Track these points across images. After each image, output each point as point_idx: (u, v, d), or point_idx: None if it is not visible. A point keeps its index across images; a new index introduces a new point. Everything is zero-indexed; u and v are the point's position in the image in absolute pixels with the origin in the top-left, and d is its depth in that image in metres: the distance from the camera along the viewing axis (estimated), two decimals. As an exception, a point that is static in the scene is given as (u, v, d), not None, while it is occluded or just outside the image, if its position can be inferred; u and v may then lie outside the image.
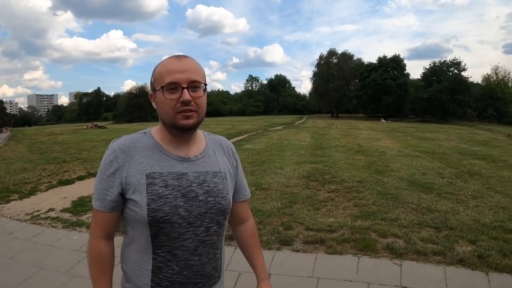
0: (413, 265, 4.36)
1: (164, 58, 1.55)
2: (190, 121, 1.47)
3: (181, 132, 1.52)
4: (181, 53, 1.53)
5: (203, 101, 1.52)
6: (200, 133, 1.68)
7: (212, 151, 1.67)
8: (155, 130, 1.63)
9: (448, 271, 4.20)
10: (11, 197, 8.76)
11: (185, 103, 1.44)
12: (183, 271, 1.53)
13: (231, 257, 4.72)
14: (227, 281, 4.13)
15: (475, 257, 4.46)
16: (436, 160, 12.59)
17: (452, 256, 4.50)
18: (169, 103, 1.45)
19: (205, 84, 1.53)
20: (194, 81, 1.47)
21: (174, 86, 1.44)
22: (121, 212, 1.57)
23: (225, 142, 1.77)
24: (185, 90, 1.44)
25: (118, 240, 1.70)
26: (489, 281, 3.99)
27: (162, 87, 1.45)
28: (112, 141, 1.59)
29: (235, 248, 4.81)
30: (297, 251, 4.96)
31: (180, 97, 1.44)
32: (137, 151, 1.53)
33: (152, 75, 1.54)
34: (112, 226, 1.59)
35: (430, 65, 74.88)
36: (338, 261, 4.61)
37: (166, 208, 1.46)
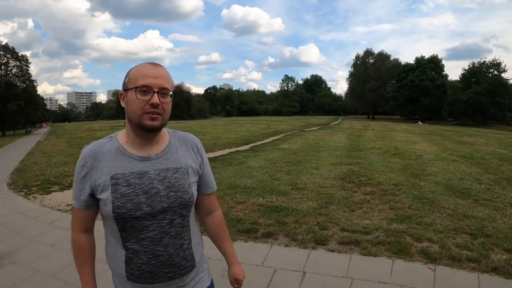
0: (447, 271, 4.38)
1: (140, 63, 1.71)
2: (155, 123, 1.63)
3: (145, 132, 1.68)
4: (156, 62, 1.70)
5: (169, 107, 1.69)
6: (164, 131, 1.83)
7: (175, 148, 1.81)
8: (121, 133, 1.79)
9: (482, 278, 4.20)
10: (52, 189, 9.15)
11: (154, 105, 1.60)
12: (150, 261, 1.67)
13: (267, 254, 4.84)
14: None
15: (510, 266, 4.43)
16: (474, 165, 12.38)
17: (486, 264, 4.48)
18: (139, 103, 1.60)
19: (173, 93, 1.71)
20: (164, 88, 1.63)
21: (146, 89, 1.60)
22: (97, 208, 1.76)
23: (189, 139, 1.90)
24: (156, 94, 1.60)
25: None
26: (523, 290, 3.99)
27: (135, 88, 1.60)
28: (83, 147, 1.77)
29: (271, 246, 4.95)
30: (332, 251, 5.04)
31: (150, 99, 1.59)
32: (103, 155, 1.69)
33: (126, 76, 1.69)
34: (89, 221, 1.80)
35: (469, 66, 73.83)
36: (373, 262, 4.66)
37: (128, 205, 1.61)
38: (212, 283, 2.00)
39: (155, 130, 1.68)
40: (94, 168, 1.67)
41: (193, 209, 1.86)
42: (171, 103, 1.71)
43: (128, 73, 1.69)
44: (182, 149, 1.83)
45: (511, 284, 4.08)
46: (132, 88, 1.62)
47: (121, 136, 1.77)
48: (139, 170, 1.68)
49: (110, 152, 1.70)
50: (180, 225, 1.74)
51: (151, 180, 1.67)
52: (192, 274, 1.84)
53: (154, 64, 1.67)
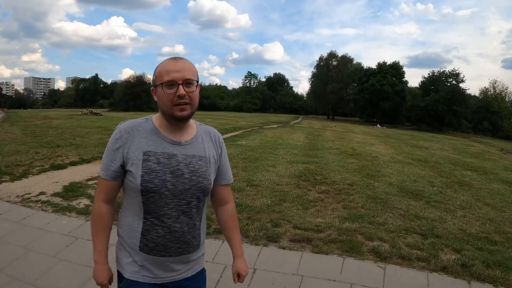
0: (397, 270, 4.40)
1: (164, 60, 1.91)
2: (185, 113, 1.82)
3: (177, 121, 1.86)
4: (178, 55, 1.88)
5: (196, 95, 1.85)
6: (193, 122, 2.00)
7: (201, 138, 1.98)
8: (155, 117, 1.95)
9: (431, 277, 4.24)
10: (3, 179, 8.73)
11: (181, 96, 1.77)
12: (166, 235, 1.85)
13: (218, 250, 4.76)
14: (213, 273, 4.17)
15: (459, 265, 4.50)
16: (428, 169, 12.66)
17: (436, 263, 4.54)
18: (167, 97, 1.78)
19: (197, 81, 1.87)
20: (188, 79, 1.80)
21: (171, 83, 1.77)
22: (121, 182, 1.91)
23: (213, 132, 2.10)
24: (180, 86, 1.77)
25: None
26: (470, 290, 4.03)
27: (161, 84, 1.78)
28: (119, 123, 1.92)
29: (223, 242, 4.86)
30: (284, 248, 4.99)
31: (177, 92, 1.77)
32: (138, 132, 1.86)
33: (154, 74, 1.87)
34: (113, 193, 1.93)
35: (429, 74, 75.41)
36: (323, 260, 4.64)
37: (156, 180, 1.78)
38: (204, 268, 2.16)
39: (186, 119, 1.87)
40: (128, 142, 1.84)
41: (208, 197, 2.05)
42: (197, 90, 1.87)
43: (155, 70, 1.88)
44: (207, 140, 2.01)
45: (460, 283, 4.16)
46: (159, 85, 1.80)
47: (156, 119, 1.94)
48: (169, 151, 1.86)
49: (146, 131, 1.88)
50: (196, 207, 1.92)
51: (178, 162, 1.85)
52: (195, 255, 2.02)
53: (176, 59, 1.85)
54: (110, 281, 1.99)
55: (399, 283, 4.10)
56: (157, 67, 1.87)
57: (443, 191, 8.88)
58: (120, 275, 1.97)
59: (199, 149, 1.94)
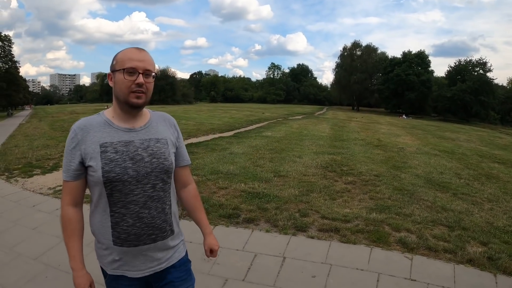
0: (424, 260, 4.46)
1: (126, 48, 1.94)
2: (140, 101, 1.87)
3: (131, 108, 1.90)
4: (140, 47, 1.91)
5: (152, 86, 1.91)
6: (145, 110, 2.04)
7: (155, 123, 2.03)
8: (107, 111, 2.00)
9: (457, 269, 4.28)
10: (34, 172, 9.04)
11: (139, 85, 1.83)
12: (136, 223, 1.87)
13: (248, 239, 4.87)
14: (243, 261, 4.30)
15: (485, 258, 4.52)
16: (455, 160, 12.56)
17: (462, 255, 4.57)
18: (126, 83, 1.82)
19: (155, 74, 1.95)
20: (149, 70, 1.86)
21: (132, 71, 1.82)
22: (85, 181, 1.93)
23: (167, 117, 2.15)
24: (141, 75, 1.83)
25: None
26: (496, 283, 4.06)
27: (123, 69, 1.82)
28: (74, 123, 1.94)
29: (252, 231, 4.98)
30: (312, 237, 5.10)
31: (136, 79, 1.82)
32: (92, 127, 1.88)
33: (114, 59, 1.90)
34: (78, 194, 1.95)
35: (455, 63, 74.08)
36: (351, 250, 4.73)
37: (117, 169, 1.81)
38: (187, 254, 2.18)
39: (140, 107, 1.91)
40: (84, 139, 1.85)
41: (172, 181, 2.07)
42: (153, 83, 1.92)
43: (115, 56, 1.91)
44: (161, 124, 2.06)
45: (486, 276, 4.17)
46: (120, 70, 1.83)
47: (108, 112, 1.98)
48: (125, 139, 1.88)
49: (99, 124, 1.90)
50: (162, 189, 1.95)
51: (136, 148, 1.88)
52: (171, 241, 2.03)
53: (139, 49, 1.90)
54: (91, 285, 1.97)
55: (425, 274, 4.15)
56: (118, 53, 1.91)
57: (470, 183, 8.83)
58: (103, 271, 2.03)
59: (155, 132, 1.98)
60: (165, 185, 1.97)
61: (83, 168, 1.88)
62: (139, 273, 1.95)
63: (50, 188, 7.57)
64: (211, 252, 2.24)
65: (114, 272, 1.96)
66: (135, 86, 1.82)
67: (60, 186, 7.51)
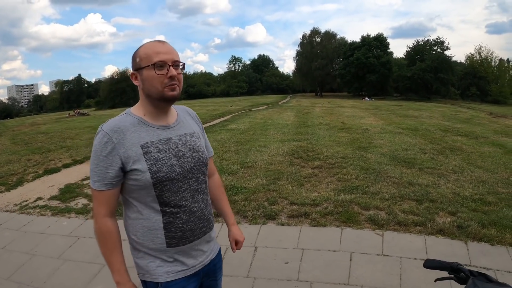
0: (394, 235, 4.49)
1: (145, 42, 1.85)
2: (175, 92, 1.79)
3: (166, 103, 1.83)
4: (160, 39, 1.82)
5: (182, 77, 1.84)
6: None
7: (183, 117, 2.00)
8: (134, 109, 1.89)
9: (428, 240, 4.33)
10: (-2, 190, 8.74)
11: (172, 78, 1.75)
12: (190, 218, 1.84)
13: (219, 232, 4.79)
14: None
15: (455, 227, 4.59)
16: (419, 137, 12.74)
17: (432, 227, 4.64)
18: (158, 78, 1.73)
19: (184, 64, 1.85)
20: (176, 61, 1.78)
21: (162, 64, 1.73)
22: (120, 188, 1.81)
23: (189, 110, 2.12)
24: (171, 68, 1.74)
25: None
26: (468, 250, 4.13)
27: (153, 65, 1.72)
28: (100, 126, 1.80)
29: (222, 224, 4.91)
30: (282, 224, 5.08)
31: (168, 73, 1.73)
32: (126, 128, 1.77)
33: (137, 56, 1.80)
34: (114, 203, 1.81)
35: (413, 44, 75.31)
36: (322, 232, 4.73)
37: (164, 168, 1.75)
38: (220, 246, 2.17)
39: (176, 99, 1.83)
40: (121, 141, 1.74)
41: None
42: (182, 73, 1.84)
43: (137, 53, 1.81)
44: (188, 118, 2.04)
45: (457, 244, 4.24)
46: (148, 66, 1.74)
47: (136, 110, 1.87)
48: (164, 137, 1.83)
49: (133, 124, 1.80)
50: (203, 181, 1.95)
51: (176, 144, 1.84)
52: (213, 231, 2.04)
53: (161, 41, 1.82)
54: None
55: (397, 248, 4.18)
56: (140, 48, 1.82)
57: (435, 157, 8.97)
58: (150, 284, 1.87)
59: (186, 126, 1.96)
60: (205, 176, 1.97)
61: (123, 173, 1.76)
62: (192, 270, 1.89)
63: (15, 205, 7.31)
64: (236, 244, 2.23)
65: (167, 277, 1.83)
66: (168, 79, 1.75)
67: (26, 201, 7.32)
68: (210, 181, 2.18)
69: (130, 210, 1.85)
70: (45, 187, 8.42)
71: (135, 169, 1.72)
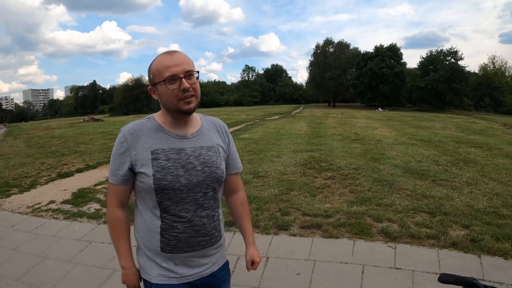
0: (407, 248, 4.46)
1: (157, 55, 1.85)
2: (192, 105, 1.79)
3: (183, 115, 1.84)
4: (171, 49, 1.84)
5: (198, 85, 1.83)
6: (196, 115, 1.99)
7: (207, 130, 1.97)
8: (157, 115, 1.93)
9: (441, 253, 4.29)
10: (12, 191, 8.84)
11: (186, 90, 1.74)
12: (187, 230, 1.82)
13: (230, 242, 4.81)
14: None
15: (468, 241, 4.54)
16: (432, 148, 12.67)
17: (445, 240, 4.59)
18: (171, 93, 1.74)
19: (197, 72, 1.84)
20: (189, 71, 1.76)
21: (173, 78, 1.73)
22: (132, 185, 1.90)
23: (218, 122, 2.07)
24: (183, 80, 1.73)
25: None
26: (481, 264, 4.08)
27: (164, 81, 1.73)
28: (122, 127, 1.90)
29: (234, 234, 4.92)
30: (294, 235, 5.06)
31: (180, 86, 1.73)
32: (142, 133, 1.83)
33: (150, 72, 1.83)
34: (125, 197, 1.92)
35: (427, 54, 74.99)
36: (334, 244, 4.71)
37: (168, 177, 1.76)
38: (227, 260, 2.14)
39: (192, 112, 1.84)
40: (134, 144, 1.82)
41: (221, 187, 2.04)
42: (198, 82, 1.83)
43: (150, 69, 1.83)
44: (213, 131, 2.00)
45: (470, 258, 4.19)
46: (160, 82, 1.76)
47: (159, 117, 1.91)
48: (177, 147, 1.83)
49: (150, 130, 1.85)
50: (212, 197, 1.91)
51: (188, 156, 1.83)
52: (218, 245, 1.99)
53: (171, 53, 1.81)
54: (140, 280, 1.98)
55: (410, 261, 4.14)
56: (152, 64, 1.84)
57: (449, 169, 8.91)
58: (145, 282, 1.95)
59: (206, 140, 1.93)
60: (216, 193, 1.93)
61: (132, 174, 1.84)
62: (185, 279, 1.90)
63: (28, 207, 7.40)
64: (252, 264, 2.15)
65: (160, 280, 1.88)
66: (182, 92, 1.74)
67: (38, 204, 7.44)
68: (233, 197, 2.19)
69: (137, 209, 1.93)
70: (58, 190, 8.51)
71: (142, 173, 1.79)
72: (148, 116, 1.94)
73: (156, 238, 1.84)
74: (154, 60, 1.83)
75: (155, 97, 1.87)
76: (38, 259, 4.85)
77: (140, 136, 1.82)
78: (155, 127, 1.86)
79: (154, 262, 1.88)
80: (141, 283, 1.99)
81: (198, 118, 1.99)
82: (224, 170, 1.97)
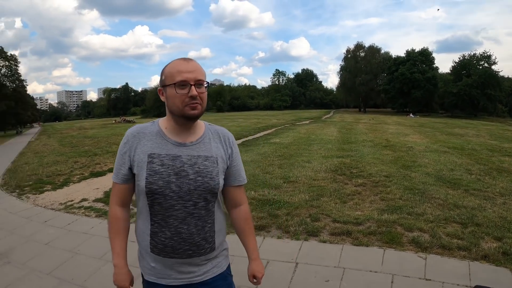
0: (438, 259, 4.43)
1: (172, 60, 1.91)
2: (196, 111, 1.83)
3: (187, 121, 1.88)
4: (187, 57, 1.89)
5: (205, 96, 1.88)
6: (201, 123, 2.02)
7: (208, 139, 1.98)
8: (162, 120, 2.00)
9: (473, 266, 4.25)
10: (45, 188, 9.15)
11: (193, 97, 1.79)
12: (173, 237, 1.86)
13: (260, 245, 4.85)
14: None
15: (500, 253, 4.48)
16: (465, 156, 12.46)
17: (477, 252, 4.53)
18: (179, 97, 1.80)
19: (208, 83, 1.89)
20: (200, 80, 1.82)
21: (184, 83, 1.79)
22: (133, 185, 1.95)
23: (222, 132, 2.08)
24: (193, 87, 1.79)
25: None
26: (513, 277, 4.03)
27: (174, 84, 1.80)
28: (129, 128, 1.99)
29: (263, 238, 4.98)
30: (324, 242, 5.09)
31: (189, 92, 1.79)
32: (144, 136, 1.91)
33: (162, 74, 1.89)
34: (126, 195, 1.99)
35: (459, 58, 73.63)
36: (364, 252, 4.72)
37: (160, 182, 1.81)
38: (228, 269, 2.14)
39: (197, 118, 1.89)
40: (135, 146, 1.89)
41: (221, 199, 2.08)
42: (206, 92, 1.88)
43: (163, 71, 1.90)
44: (214, 141, 2.00)
45: (501, 271, 4.13)
46: (170, 85, 1.81)
47: (162, 122, 1.98)
48: (173, 153, 1.87)
49: (151, 134, 1.92)
50: (204, 208, 1.90)
51: (183, 163, 1.86)
52: (211, 256, 1.99)
53: (186, 60, 1.86)
54: (131, 283, 2.02)
55: (440, 273, 4.11)
56: (166, 67, 1.89)
57: (482, 178, 8.76)
58: (142, 275, 2.03)
59: (205, 149, 1.94)
60: (208, 204, 1.92)
61: (132, 174, 1.91)
62: (174, 282, 1.94)
63: (61, 204, 7.64)
64: (255, 278, 2.13)
65: (150, 278, 1.97)
66: (189, 99, 1.79)
67: (71, 201, 7.70)
68: (235, 211, 2.15)
69: (137, 208, 1.99)
70: (90, 189, 8.75)
71: (137, 174, 1.87)
72: (154, 121, 2.01)
73: (147, 239, 1.91)
74: (169, 63, 1.90)
75: (162, 99, 1.94)
76: (70, 255, 5.03)
77: (142, 139, 1.90)
78: (156, 131, 1.92)
79: (146, 260, 1.97)
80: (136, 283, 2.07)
81: (203, 127, 2.02)
82: (220, 182, 1.96)
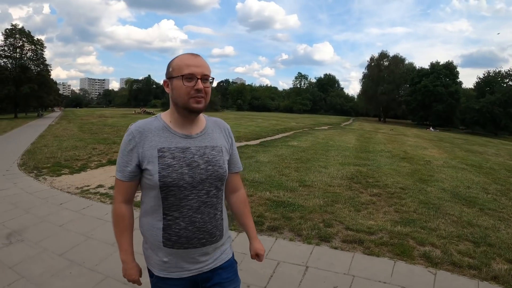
0: (447, 276, 4.44)
1: (180, 53, 2.01)
2: (200, 105, 1.91)
3: (190, 113, 1.95)
4: (195, 52, 1.95)
5: (210, 90, 1.95)
6: (201, 115, 2.09)
7: (211, 130, 2.09)
8: (164, 114, 2.05)
9: (482, 286, 4.25)
10: (62, 171, 9.33)
11: (199, 90, 1.87)
12: (188, 226, 1.92)
13: (271, 246, 4.91)
14: (266, 268, 4.36)
15: (510, 276, 4.46)
16: (482, 175, 12.34)
17: (487, 272, 4.52)
18: (185, 89, 1.87)
19: (213, 78, 1.96)
20: (206, 75, 1.90)
21: (191, 76, 1.86)
22: (139, 181, 2.01)
23: (221, 123, 2.20)
24: (199, 81, 1.87)
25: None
26: (522, 300, 4.04)
27: (182, 76, 1.86)
28: (130, 125, 2.00)
29: (276, 239, 5.04)
30: (336, 248, 5.13)
31: (195, 85, 1.86)
32: (150, 131, 1.94)
33: (170, 66, 1.95)
34: (131, 193, 2.03)
35: (484, 74, 73.11)
36: (374, 262, 4.74)
37: (173, 174, 1.87)
38: (233, 256, 2.23)
39: (200, 111, 1.95)
40: (141, 142, 1.91)
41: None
42: (211, 87, 1.96)
43: (171, 63, 1.95)
44: (216, 131, 2.11)
45: (510, 293, 4.14)
46: (178, 76, 1.87)
47: (166, 116, 2.03)
48: (182, 145, 1.94)
49: (157, 129, 1.95)
50: (215, 196, 2.00)
51: (193, 154, 1.93)
52: (219, 244, 2.08)
53: (194, 55, 1.93)
54: (140, 275, 2.11)
55: (449, 289, 4.14)
56: (173, 59, 1.96)
57: (498, 198, 8.69)
58: (150, 271, 2.07)
59: (210, 139, 2.03)
60: (218, 191, 2.03)
61: (139, 170, 1.94)
62: (186, 273, 1.99)
63: (77, 188, 7.80)
64: (257, 256, 2.30)
65: (161, 273, 2.00)
66: (195, 91, 1.86)
67: (87, 186, 7.84)
68: (234, 196, 2.31)
69: (143, 204, 2.03)
70: (107, 176, 8.89)
71: (148, 169, 1.89)
72: (155, 116, 2.05)
73: (159, 234, 1.94)
74: (177, 56, 1.96)
75: (167, 90, 1.99)
76: (83, 238, 5.15)
77: (148, 134, 1.93)
78: (162, 126, 1.97)
79: (157, 256, 1.99)
80: (143, 277, 2.14)
81: (203, 119, 2.11)
82: (227, 169, 2.09)
